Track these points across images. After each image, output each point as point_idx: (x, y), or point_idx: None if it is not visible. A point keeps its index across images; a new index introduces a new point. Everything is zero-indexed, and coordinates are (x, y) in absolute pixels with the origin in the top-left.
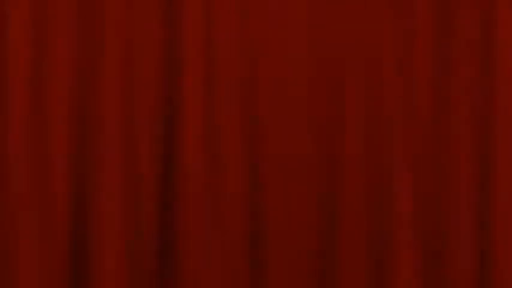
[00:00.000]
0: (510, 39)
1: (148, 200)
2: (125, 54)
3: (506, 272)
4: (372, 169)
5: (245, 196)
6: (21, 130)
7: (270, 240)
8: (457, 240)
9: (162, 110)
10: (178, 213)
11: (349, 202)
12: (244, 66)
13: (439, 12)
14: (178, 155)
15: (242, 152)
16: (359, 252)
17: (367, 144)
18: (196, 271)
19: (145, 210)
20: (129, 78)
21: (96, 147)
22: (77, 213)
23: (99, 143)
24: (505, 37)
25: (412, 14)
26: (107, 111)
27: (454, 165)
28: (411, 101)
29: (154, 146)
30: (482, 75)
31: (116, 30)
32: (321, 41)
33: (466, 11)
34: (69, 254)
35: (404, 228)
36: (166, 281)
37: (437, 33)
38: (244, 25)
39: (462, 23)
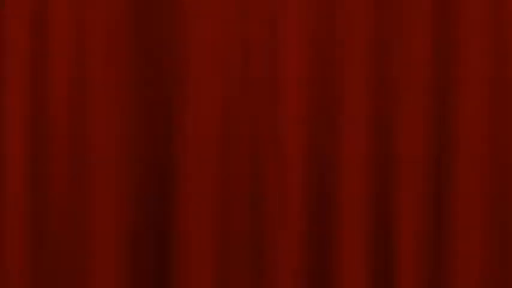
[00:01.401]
0: None
1: (148, 201)
2: (125, 52)
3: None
4: (375, 168)
5: (247, 196)
6: (21, 129)
7: (270, 240)
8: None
9: (162, 110)
10: (179, 214)
11: (349, 200)
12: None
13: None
14: (179, 154)
15: (249, 152)
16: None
17: (369, 141)
18: (196, 271)
19: (145, 211)
20: (130, 77)
21: (95, 146)
22: (76, 213)
23: (98, 143)
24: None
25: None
26: (106, 109)
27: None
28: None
29: (154, 146)
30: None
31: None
32: (317, 40)
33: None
34: (67, 254)
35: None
36: (166, 281)
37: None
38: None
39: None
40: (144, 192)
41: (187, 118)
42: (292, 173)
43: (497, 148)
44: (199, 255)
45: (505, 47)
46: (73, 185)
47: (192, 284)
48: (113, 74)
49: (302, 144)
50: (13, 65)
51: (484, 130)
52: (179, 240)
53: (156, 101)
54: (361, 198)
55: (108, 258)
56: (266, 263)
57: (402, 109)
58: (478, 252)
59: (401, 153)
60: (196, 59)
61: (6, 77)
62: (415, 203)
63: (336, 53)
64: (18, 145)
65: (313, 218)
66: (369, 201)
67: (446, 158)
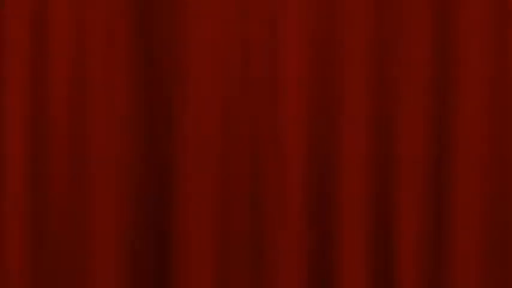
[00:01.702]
0: None
1: (148, 201)
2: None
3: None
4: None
5: (247, 196)
6: (21, 129)
7: (270, 240)
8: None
9: (162, 110)
10: (179, 214)
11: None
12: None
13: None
14: (179, 154)
15: (249, 152)
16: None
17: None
18: (196, 271)
19: (145, 210)
20: (130, 77)
21: (95, 146)
22: (76, 213)
23: (98, 143)
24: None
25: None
26: (106, 110)
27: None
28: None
29: (154, 146)
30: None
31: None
32: (317, 40)
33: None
34: (67, 254)
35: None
36: (165, 281)
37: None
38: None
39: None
40: (144, 192)
41: (187, 118)
42: (292, 173)
43: (497, 148)
44: (199, 255)
45: (505, 46)
46: (73, 185)
47: (192, 284)
48: (113, 74)
49: (302, 144)
50: (13, 65)
51: (484, 130)
52: (179, 240)
53: (156, 101)
54: (361, 198)
55: (108, 258)
56: (266, 263)
57: (402, 109)
58: (478, 252)
59: (402, 153)
60: (196, 59)
61: (6, 77)
62: (415, 203)
63: (336, 53)
64: (18, 145)
65: (314, 218)
66: (369, 201)
67: (446, 158)
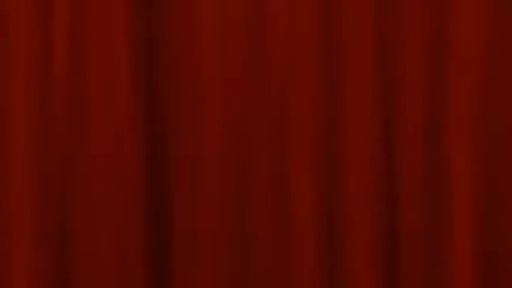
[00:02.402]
0: None
1: (148, 200)
2: (107, 53)
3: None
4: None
5: (247, 195)
6: (22, 129)
7: (263, 240)
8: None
9: (162, 110)
10: (178, 213)
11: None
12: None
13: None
14: (170, 154)
15: (246, 151)
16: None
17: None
18: (196, 272)
19: (145, 210)
20: (131, 77)
21: (95, 146)
22: (73, 212)
23: (98, 143)
24: None
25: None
26: (106, 109)
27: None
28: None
29: (154, 146)
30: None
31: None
32: (318, 41)
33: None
34: (59, 254)
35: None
36: (165, 281)
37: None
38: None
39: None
40: (144, 191)
41: (187, 117)
42: (298, 173)
43: (493, 148)
44: (199, 255)
45: (503, 46)
46: (73, 184)
47: (193, 284)
48: (113, 74)
49: (304, 143)
50: (13, 65)
51: (484, 130)
52: (179, 240)
53: (156, 101)
54: (366, 197)
55: (108, 258)
56: (268, 263)
57: (402, 109)
58: (477, 252)
59: (402, 153)
60: (198, 58)
61: (6, 77)
62: (417, 203)
63: (336, 52)
64: (18, 145)
65: (316, 217)
66: (376, 200)
67: (447, 158)
